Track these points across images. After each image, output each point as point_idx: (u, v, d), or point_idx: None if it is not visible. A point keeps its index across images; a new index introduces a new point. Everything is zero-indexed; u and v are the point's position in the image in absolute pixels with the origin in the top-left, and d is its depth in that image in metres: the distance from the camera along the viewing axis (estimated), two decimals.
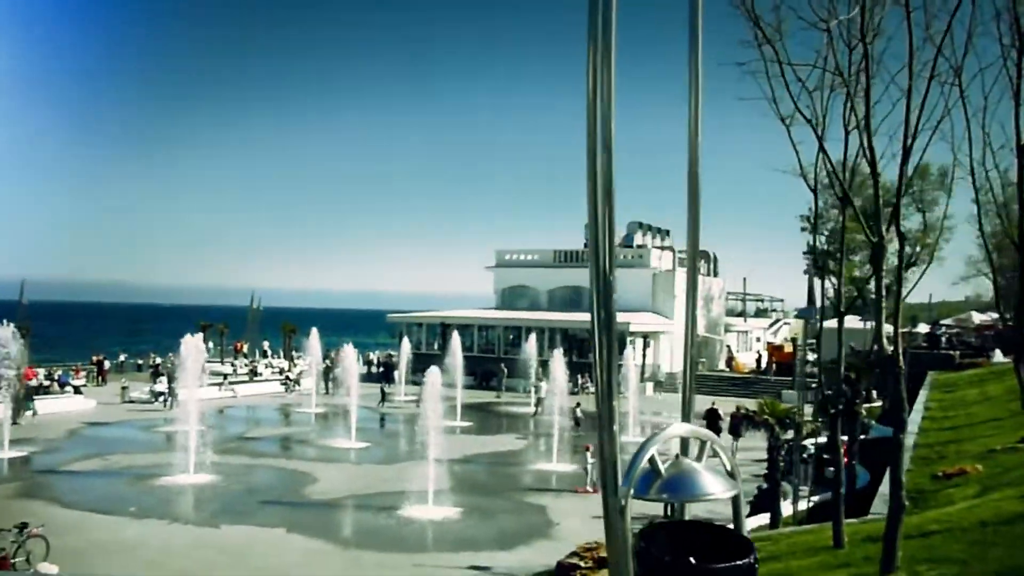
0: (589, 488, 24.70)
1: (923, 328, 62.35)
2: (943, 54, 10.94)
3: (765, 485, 20.68)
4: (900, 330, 12.29)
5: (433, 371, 24.26)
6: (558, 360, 32.97)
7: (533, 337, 48.82)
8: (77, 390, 42.97)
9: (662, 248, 65.95)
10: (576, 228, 71.11)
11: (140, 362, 60.70)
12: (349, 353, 36.36)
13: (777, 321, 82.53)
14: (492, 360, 56.89)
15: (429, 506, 21.89)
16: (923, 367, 42.27)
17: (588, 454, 25.80)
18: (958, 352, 49.95)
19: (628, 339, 56.01)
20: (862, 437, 28.46)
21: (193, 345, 36.65)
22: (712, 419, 33.49)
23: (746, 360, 66.96)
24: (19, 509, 20.16)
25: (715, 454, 2.78)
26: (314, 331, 45.11)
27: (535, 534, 20.12)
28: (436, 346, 61.30)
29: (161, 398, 43.09)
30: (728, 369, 64.98)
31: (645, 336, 56.55)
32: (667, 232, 70.56)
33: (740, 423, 33.16)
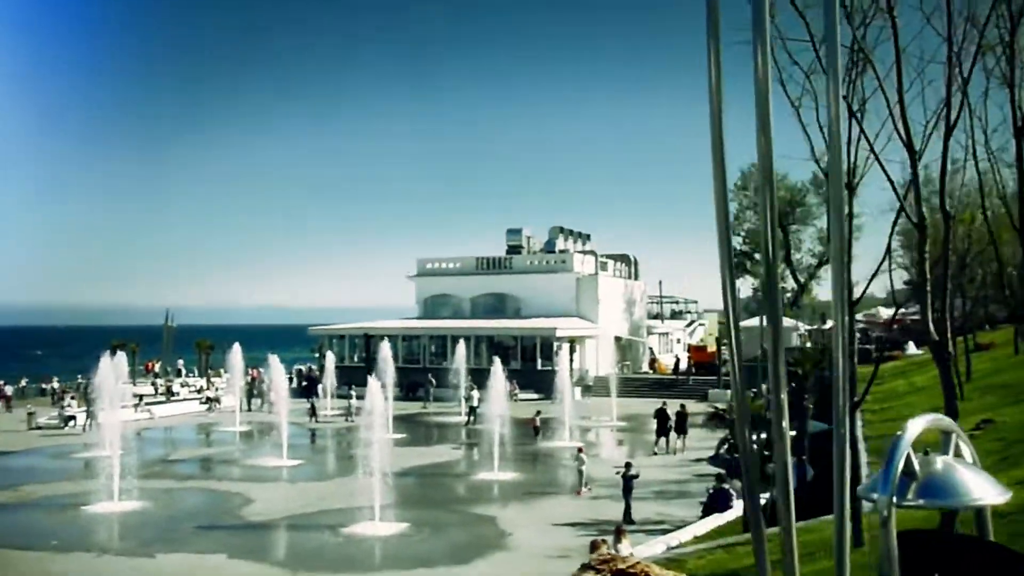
0: (585, 490, 25.37)
1: (829, 324, 64.08)
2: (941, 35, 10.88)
3: (718, 485, 20.56)
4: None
5: (371, 382, 23.36)
6: (497, 367, 32.40)
7: (462, 345, 48.17)
8: None
9: (584, 252, 66.16)
10: (498, 234, 70.67)
11: (44, 387, 57.89)
12: (276, 366, 35.10)
13: (692, 323, 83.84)
14: (418, 371, 55.98)
15: (376, 522, 21.11)
16: None
17: (582, 456, 26.25)
18: (873, 346, 51.41)
19: (555, 344, 55.95)
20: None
21: (110, 365, 35.05)
22: (662, 418, 33.84)
23: (667, 361, 67.76)
24: None
25: (957, 450, 2.34)
26: (236, 346, 43.50)
27: (490, 546, 19.54)
28: (358, 358, 60.11)
29: (71, 422, 41.12)
30: (651, 371, 65.58)
31: (572, 341, 56.43)
32: (588, 236, 70.91)
33: (684, 420, 33.73)
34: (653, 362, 67.55)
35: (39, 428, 40.93)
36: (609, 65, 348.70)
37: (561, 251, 64.86)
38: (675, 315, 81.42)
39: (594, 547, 13.91)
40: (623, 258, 71.25)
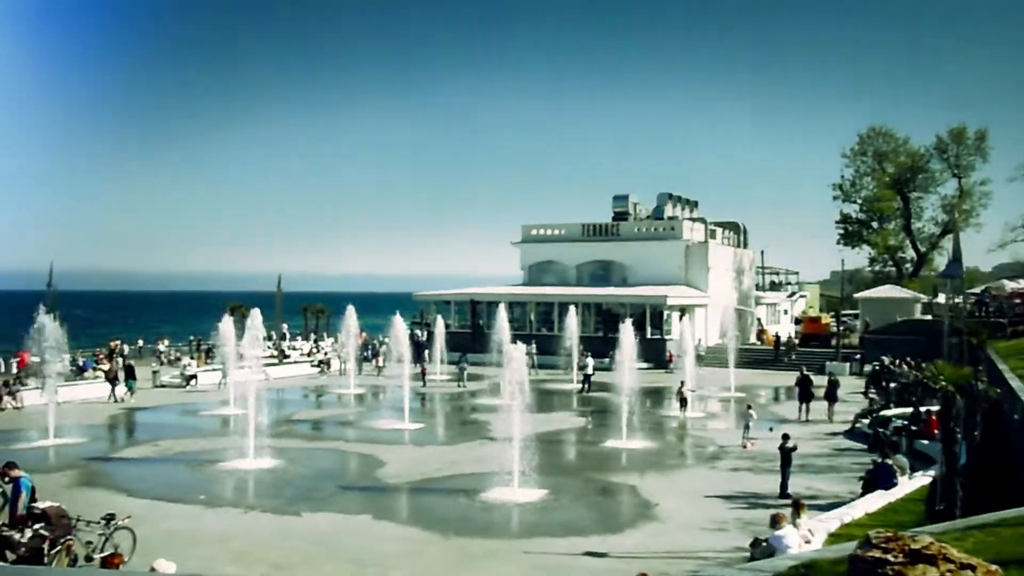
0: (749, 444, 26.78)
1: (942, 298, 61.07)
2: None
3: (880, 460, 19.42)
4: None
5: (517, 347, 22.73)
6: (627, 335, 31.56)
7: (573, 312, 47.47)
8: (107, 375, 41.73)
9: (693, 220, 64.54)
10: (603, 201, 69.61)
11: (158, 348, 59.78)
12: (399, 327, 35.04)
13: (794, 294, 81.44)
14: (524, 337, 55.41)
15: (514, 488, 20.64)
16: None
17: (751, 411, 28.06)
18: (1006, 320, 48.69)
19: (665, 312, 54.83)
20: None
21: (231, 327, 35.70)
22: (805, 386, 33.52)
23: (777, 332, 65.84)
24: (82, 499, 18.98)
25: None
26: (350, 309, 43.89)
27: (638, 516, 18.86)
28: (464, 324, 60.09)
29: (192, 381, 42.16)
30: (759, 342, 63.81)
31: (682, 310, 55.18)
32: (695, 203, 69.23)
33: (835, 388, 33.05)
34: (761, 333, 65.78)
35: (163, 387, 42.00)
36: (718, 30, 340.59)
37: (670, 218, 63.46)
38: (774, 286, 79.20)
39: (775, 520, 13.10)
40: (732, 226, 69.35)
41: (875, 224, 69.67)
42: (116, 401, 36.74)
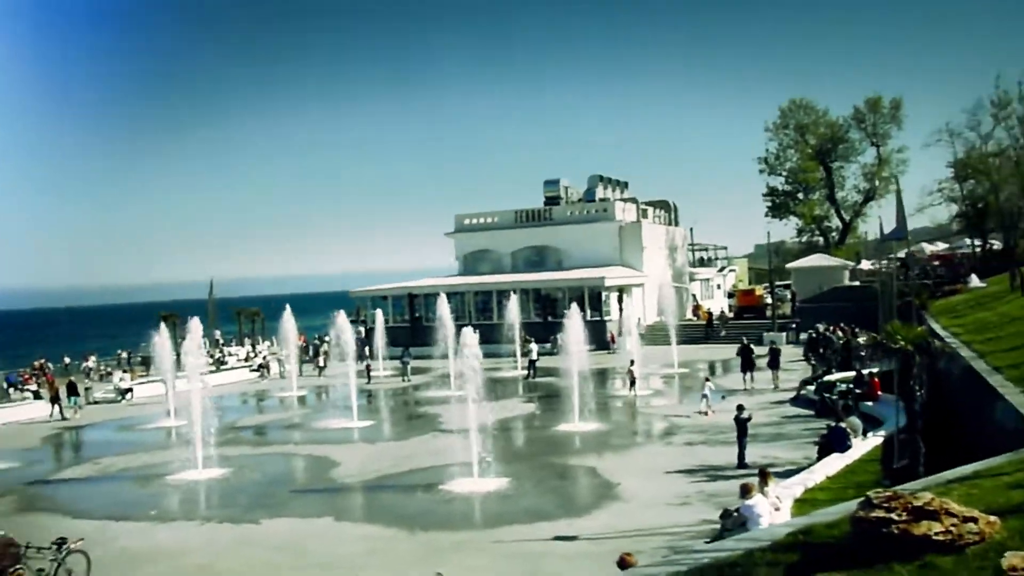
0: (708, 412, 28.10)
1: (866, 264, 62.95)
2: None
3: (835, 424, 19.77)
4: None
5: (467, 332, 22.64)
6: (575, 317, 31.60)
7: (515, 299, 47.36)
8: (36, 395, 40.29)
9: (624, 200, 65.01)
10: (534, 186, 69.76)
11: (85, 363, 57.99)
12: (343, 325, 34.43)
13: (723, 268, 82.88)
14: (463, 328, 55.28)
15: (474, 479, 20.47)
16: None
17: (709, 383, 29.91)
18: (931, 281, 50.25)
19: (604, 294, 55.16)
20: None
21: (166, 336, 34.80)
22: (746, 355, 34.66)
23: (710, 308, 66.87)
24: (26, 525, 18.14)
25: None
26: (287, 311, 43.12)
27: (602, 496, 18.89)
28: (402, 319, 59.58)
29: (128, 395, 40.99)
30: (695, 317, 64.67)
31: (620, 290, 55.60)
32: (626, 184, 69.75)
33: (778, 356, 33.96)
34: (696, 308, 66.68)
35: (96, 403, 40.63)
36: (643, 10, 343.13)
37: (601, 200, 63.78)
38: (704, 263, 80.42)
39: (745, 490, 13.19)
40: (663, 204, 70.10)
41: (800, 195, 71.16)
42: (63, 419, 35.49)
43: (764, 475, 14.09)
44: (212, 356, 53.96)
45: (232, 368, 51.33)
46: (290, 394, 40.64)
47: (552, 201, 64.95)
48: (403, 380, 42.74)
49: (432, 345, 45.80)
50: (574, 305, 34.44)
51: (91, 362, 58.42)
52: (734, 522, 12.82)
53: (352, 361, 33.59)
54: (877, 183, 67.07)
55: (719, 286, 76.76)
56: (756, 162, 71.18)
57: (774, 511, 12.86)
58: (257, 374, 48.58)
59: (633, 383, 33.74)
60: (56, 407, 36.02)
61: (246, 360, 53.86)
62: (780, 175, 71.51)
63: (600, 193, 64.92)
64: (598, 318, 54.55)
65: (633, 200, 65.50)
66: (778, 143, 70.26)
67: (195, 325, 28.36)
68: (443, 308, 42.65)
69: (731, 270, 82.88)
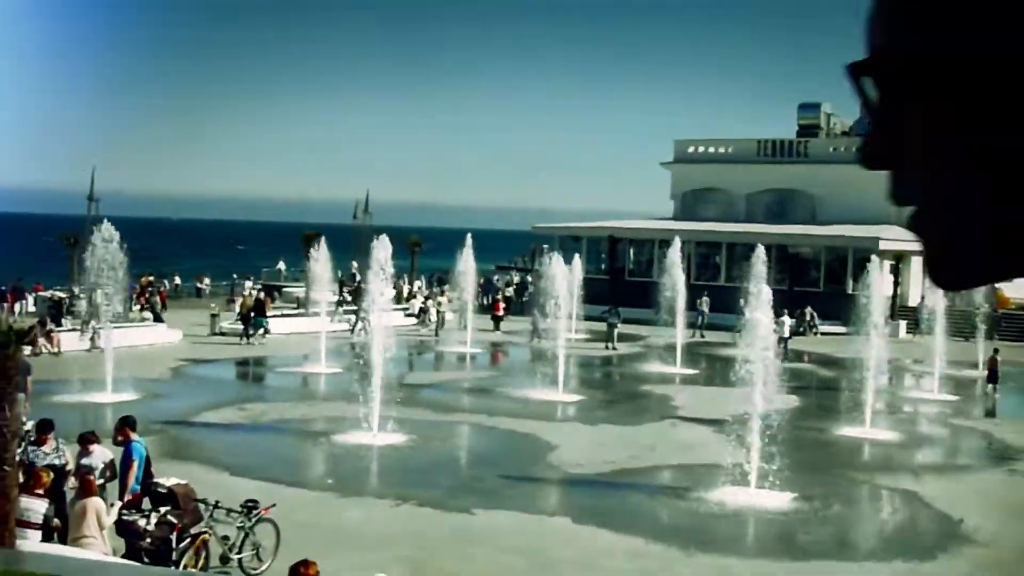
0: None
1: None
2: None
3: None
4: None
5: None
6: (878, 280, 29.81)
7: (762, 252, 45.38)
8: (158, 317, 41.74)
9: None
10: (783, 114, 67.39)
11: (202, 286, 60.45)
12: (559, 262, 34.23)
13: None
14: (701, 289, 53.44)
15: (750, 490, 19.16)
16: None
17: None
18: None
19: (874, 261, 52.27)
20: None
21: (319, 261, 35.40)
22: None
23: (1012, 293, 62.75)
24: (178, 474, 18.12)
25: None
26: (467, 244, 43.03)
27: (945, 536, 17.30)
28: (604, 268, 58.50)
29: (261, 329, 41.88)
30: (986, 305, 60.52)
31: (897, 258, 52.43)
32: None
33: None
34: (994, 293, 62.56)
35: (223, 334, 41.72)
36: None
37: None
38: None
39: None
40: None
41: None
42: (247, 343, 39.14)
43: None
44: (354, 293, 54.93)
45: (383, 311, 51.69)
46: (457, 349, 40.92)
47: (808, 131, 62.26)
48: (607, 347, 41.85)
49: (639, 306, 44.79)
50: (878, 264, 32.64)
51: (205, 284, 60.84)
52: None
53: (560, 314, 32.91)
54: None
55: None
56: None
57: None
58: (416, 320, 48.74)
59: (994, 378, 33.00)
60: (246, 329, 39.50)
61: (398, 302, 54.13)
62: None
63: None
64: (862, 292, 51.81)
65: None
66: None
67: (384, 245, 27.96)
68: (675, 255, 40.97)
69: None
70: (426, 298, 52.42)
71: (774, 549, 16.44)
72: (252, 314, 40.33)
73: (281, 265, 66.97)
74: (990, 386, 33.61)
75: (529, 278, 66.16)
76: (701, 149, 64.13)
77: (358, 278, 56.91)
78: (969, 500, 19.70)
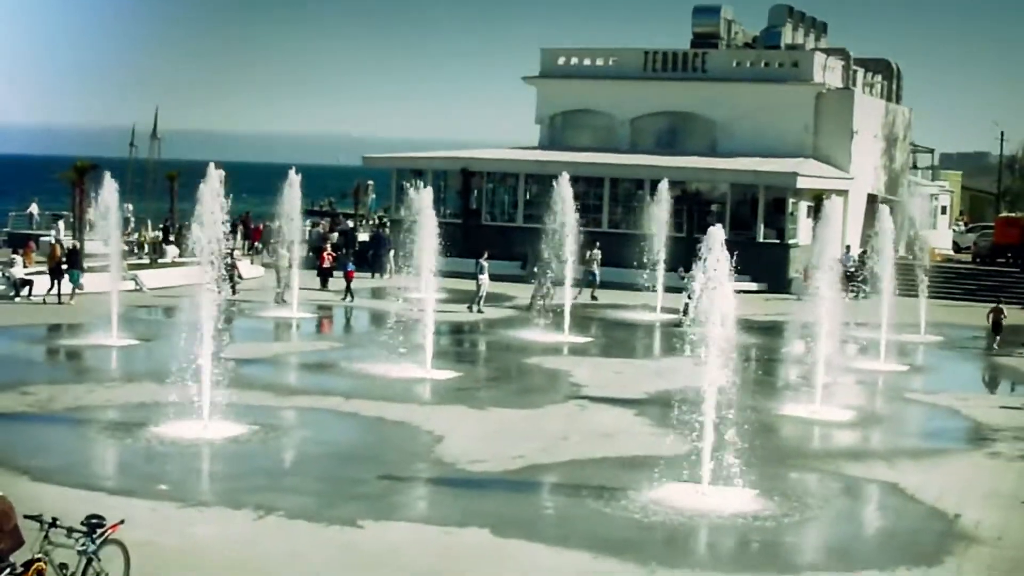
0: None
1: None
2: None
3: None
4: None
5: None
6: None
7: (665, 188, 46.05)
8: None
9: (826, 51, 62.94)
10: (676, 19, 68.14)
11: None
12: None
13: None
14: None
15: (701, 486, 19.14)
16: None
17: None
18: None
19: (790, 201, 53.60)
20: None
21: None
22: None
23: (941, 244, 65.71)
24: None
25: None
26: (292, 175, 42.10)
27: (944, 536, 17.79)
28: (453, 209, 58.13)
29: (25, 289, 40.98)
30: (909, 256, 62.68)
31: (817, 197, 53.69)
32: (824, 26, 67.92)
33: None
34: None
35: None
36: None
37: (790, 46, 62.21)
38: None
39: None
40: (881, 66, 68.39)
41: None
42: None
43: None
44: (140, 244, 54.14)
45: (173, 264, 50.67)
46: (284, 314, 40.84)
47: (706, 41, 63.29)
48: (471, 309, 41.60)
49: (499, 257, 45.07)
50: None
51: None
52: None
53: (422, 265, 32.64)
54: None
55: (944, 209, 75.43)
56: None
57: None
58: (228, 278, 47.62)
59: (998, 329, 37.94)
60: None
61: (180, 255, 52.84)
62: None
63: (788, 37, 63.22)
64: (776, 240, 53.12)
65: (842, 53, 63.37)
66: None
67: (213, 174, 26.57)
68: (565, 193, 40.47)
69: (943, 188, 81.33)
70: (231, 251, 51.21)
71: (754, 561, 16.45)
72: (65, 265, 39.93)
73: (34, 208, 65.68)
74: (997, 338, 38.32)
75: (350, 223, 65.90)
76: (574, 61, 64.66)
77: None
78: (956, 490, 20.56)
